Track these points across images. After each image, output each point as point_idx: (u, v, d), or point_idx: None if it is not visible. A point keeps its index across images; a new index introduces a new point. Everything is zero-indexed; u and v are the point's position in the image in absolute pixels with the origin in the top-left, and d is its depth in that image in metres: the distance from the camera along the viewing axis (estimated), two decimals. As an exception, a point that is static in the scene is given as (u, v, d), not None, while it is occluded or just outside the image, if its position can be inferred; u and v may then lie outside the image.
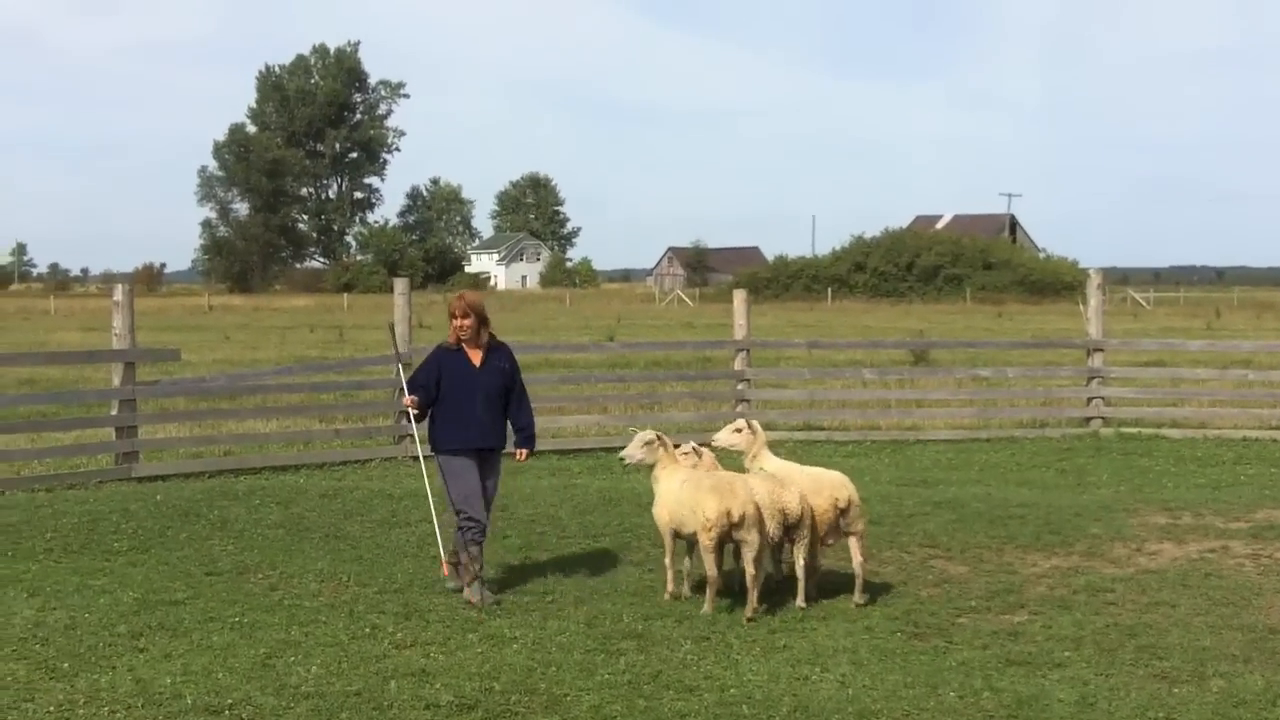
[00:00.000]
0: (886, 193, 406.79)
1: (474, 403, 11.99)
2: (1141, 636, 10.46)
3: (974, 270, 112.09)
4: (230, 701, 8.77)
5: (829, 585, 11.89)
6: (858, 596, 11.53)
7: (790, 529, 11.42)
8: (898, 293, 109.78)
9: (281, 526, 14.77)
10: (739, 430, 12.44)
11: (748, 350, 22.46)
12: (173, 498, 16.40)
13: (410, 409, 12.26)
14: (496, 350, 12.24)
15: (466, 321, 12.00)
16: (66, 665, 9.63)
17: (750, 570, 11.07)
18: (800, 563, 11.50)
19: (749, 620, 10.90)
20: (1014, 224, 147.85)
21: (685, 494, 11.26)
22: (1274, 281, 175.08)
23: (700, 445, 12.35)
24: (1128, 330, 52.25)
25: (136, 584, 12.10)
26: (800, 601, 11.43)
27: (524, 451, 12.44)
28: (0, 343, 47.50)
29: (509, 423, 12.32)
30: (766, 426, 21.99)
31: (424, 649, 10.04)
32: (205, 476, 18.12)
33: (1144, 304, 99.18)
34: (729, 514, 10.97)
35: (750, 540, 11.07)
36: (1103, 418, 23.14)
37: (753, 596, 11.06)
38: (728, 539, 11.16)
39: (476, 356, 12.10)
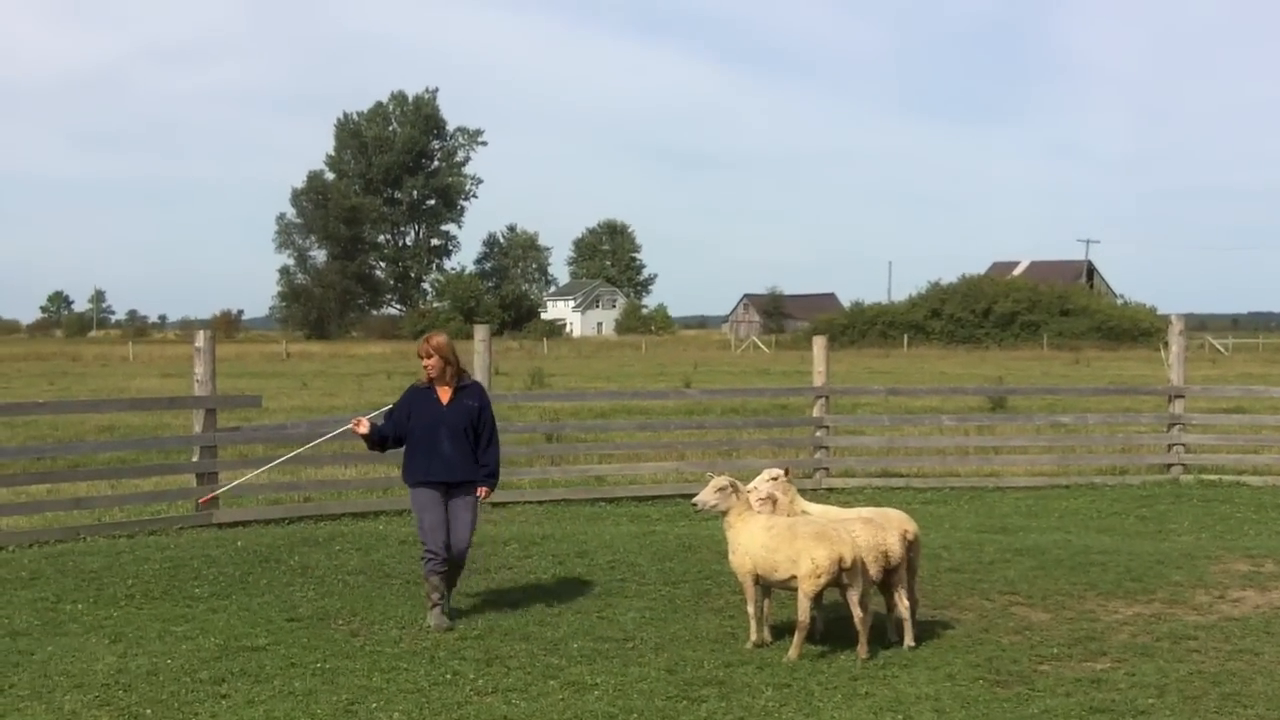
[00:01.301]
0: (963, 239, 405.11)
1: (439, 438, 12.80)
2: (1225, 684, 10.34)
3: (1051, 317, 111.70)
4: (313, 747, 8.80)
5: (881, 628, 11.83)
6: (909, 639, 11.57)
7: (890, 571, 11.44)
8: (974, 339, 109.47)
9: (362, 573, 14.84)
10: (774, 479, 12.41)
11: (827, 397, 22.42)
12: (253, 544, 16.51)
13: (355, 429, 13.20)
14: (466, 389, 13.05)
15: (430, 361, 12.92)
16: (149, 712, 9.69)
17: (858, 613, 11.10)
18: (904, 603, 11.54)
19: (864, 661, 10.95)
20: (1091, 270, 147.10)
21: (778, 542, 11.23)
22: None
23: (781, 470, 12.44)
24: (1206, 376, 51.76)
25: (218, 630, 12.17)
26: (909, 641, 11.49)
27: (484, 489, 13.02)
28: (80, 389, 48.05)
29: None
30: (845, 473, 22.18)
31: (505, 695, 10.05)
32: (285, 523, 18.23)
33: (1222, 350, 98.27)
34: (840, 560, 10.97)
35: (856, 585, 11.08)
36: (1183, 464, 22.94)
37: (863, 638, 11.10)
38: (831, 585, 11.16)
39: (445, 394, 12.95)
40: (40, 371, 62.83)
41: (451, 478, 12.81)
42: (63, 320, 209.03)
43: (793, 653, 11.08)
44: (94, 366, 74.46)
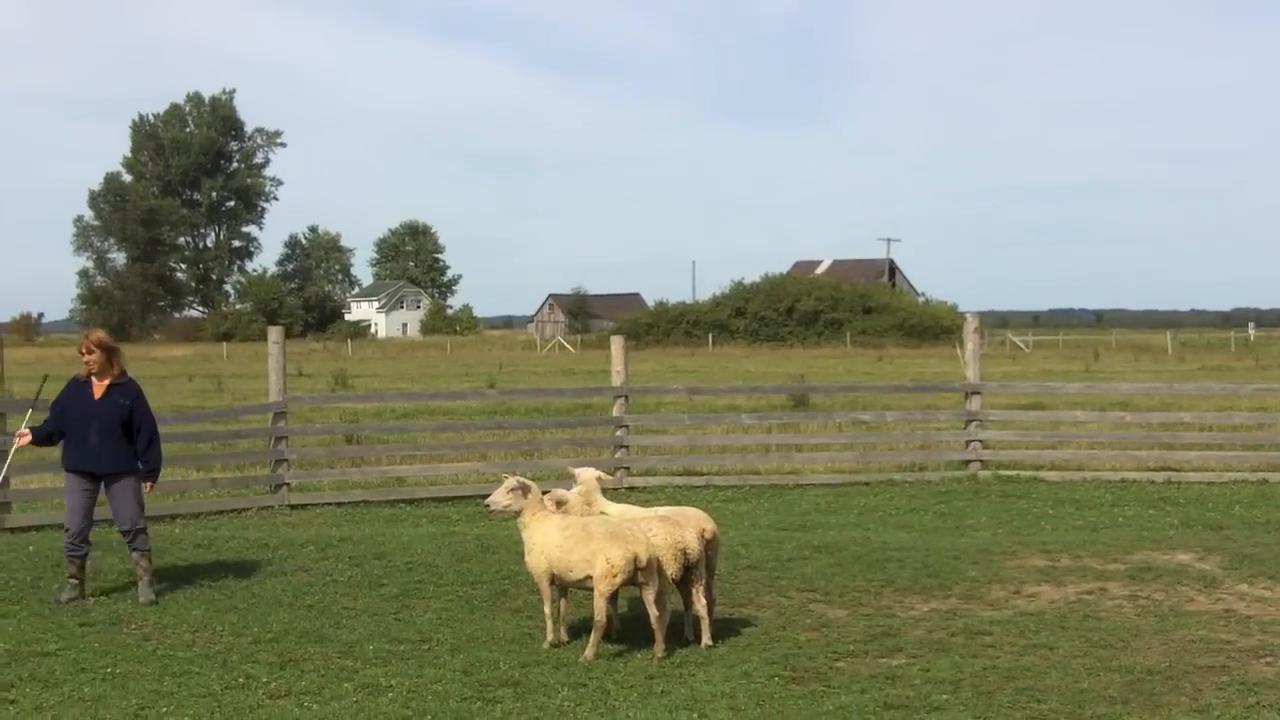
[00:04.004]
0: (766, 239, 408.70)
1: (87, 430, 13.35)
2: (1020, 679, 10.49)
3: (854, 315, 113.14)
4: (100, 755, 8.62)
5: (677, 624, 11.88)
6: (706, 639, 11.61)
7: (688, 570, 11.47)
8: (778, 338, 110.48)
9: (157, 576, 14.53)
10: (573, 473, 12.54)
11: (626, 396, 22.48)
12: (46, 548, 16.12)
13: (20, 443, 13.92)
14: (121, 385, 13.52)
15: (90, 358, 13.40)
16: (-69, 720, 9.45)
17: (655, 612, 11.10)
18: (702, 601, 11.54)
19: (661, 660, 10.95)
20: (893, 269, 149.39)
21: (573, 542, 11.20)
22: (1151, 324, 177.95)
23: (576, 470, 12.51)
24: (1006, 373, 52.87)
25: (8, 635, 11.89)
26: (707, 639, 11.48)
27: (148, 483, 13.81)
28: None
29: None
30: (647, 473, 22.25)
31: (298, 699, 9.92)
32: (78, 527, 17.79)
33: (1023, 347, 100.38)
34: (635, 560, 10.96)
35: (653, 583, 11.08)
36: (981, 460, 23.32)
37: (660, 636, 11.10)
38: (627, 585, 11.16)
39: (100, 389, 13.45)
40: None
41: (98, 469, 13.48)
42: None
43: (589, 652, 11.06)
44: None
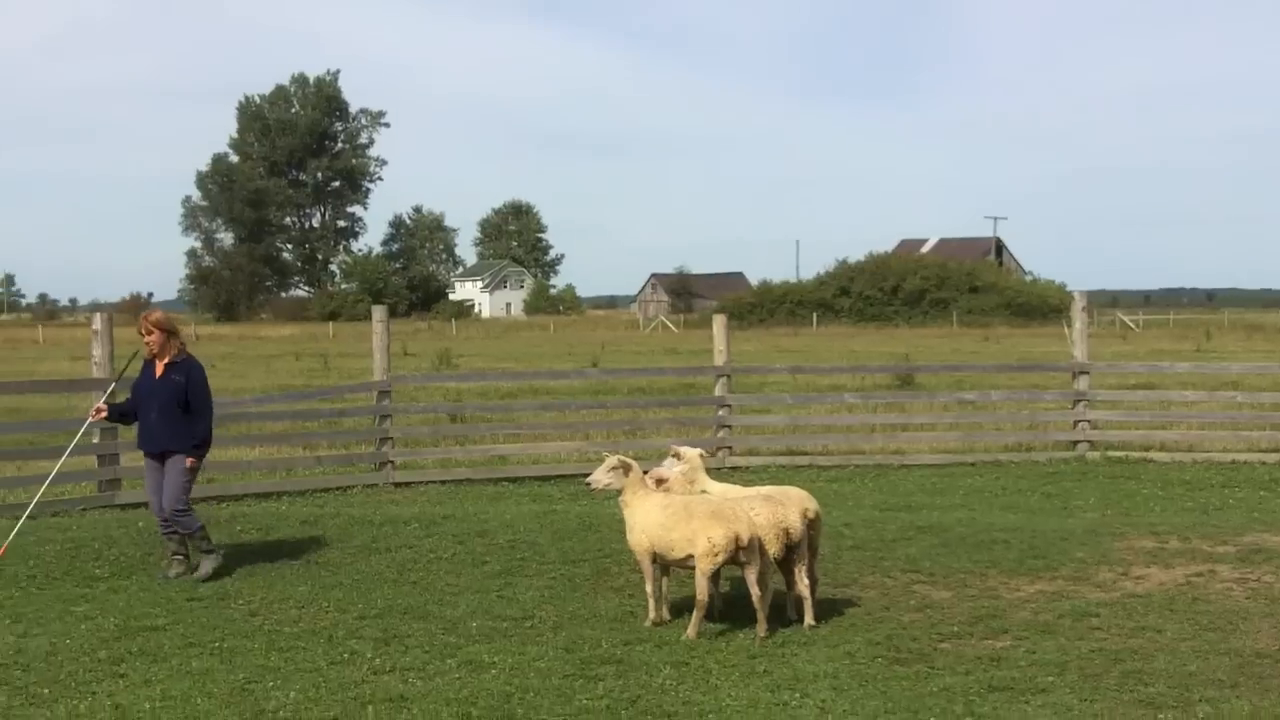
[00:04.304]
0: (871, 217, 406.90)
1: (150, 410, 13.63)
2: (1127, 662, 10.38)
3: (960, 294, 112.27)
4: (207, 728, 8.72)
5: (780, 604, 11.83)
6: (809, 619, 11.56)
7: (790, 549, 11.44)
8: (883, 317, 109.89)
9: (262, 553, 14.74)
10: (674, 457, 12.45)
11: (729, 376, 22.42)
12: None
13: (96, 417, 14.35)
14: (178, 364, 13.67)
15: (150, 338, 13.64)
16: (46, 691, 9.59)
17: (757, 591, 11.07)
18: (805, 581, 11.51)
19: (763, 640, 10.92)
20: (1000, 247, 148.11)
21: (675, 521, 11.18)
22: (1264, 303, 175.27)
23: (680, 449, 12.44)
24: (1116, 353, 52.26)
25: (118, 610, 12.06)
26: (809, 619, 11.43)
27: (190, 459, 13.69)
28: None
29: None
30: (749, 452, 22.19)
31: (402, 674, 9.98)
32: (187, 504, 18.01)
33: (1133, 327, 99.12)
34: (737, 539, 10.94)
35: (755, 563, 11.06)
36: (1089, 441, 23.08)
37: (762, 615, 11.07)
38: (729, 564, 11.14)
39: (160, 369, 13.67)
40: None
41: (153, 448, 13.72)
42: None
43: (691, 631, 11.05)
44: (3, 350, 73.55)
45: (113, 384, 15.42)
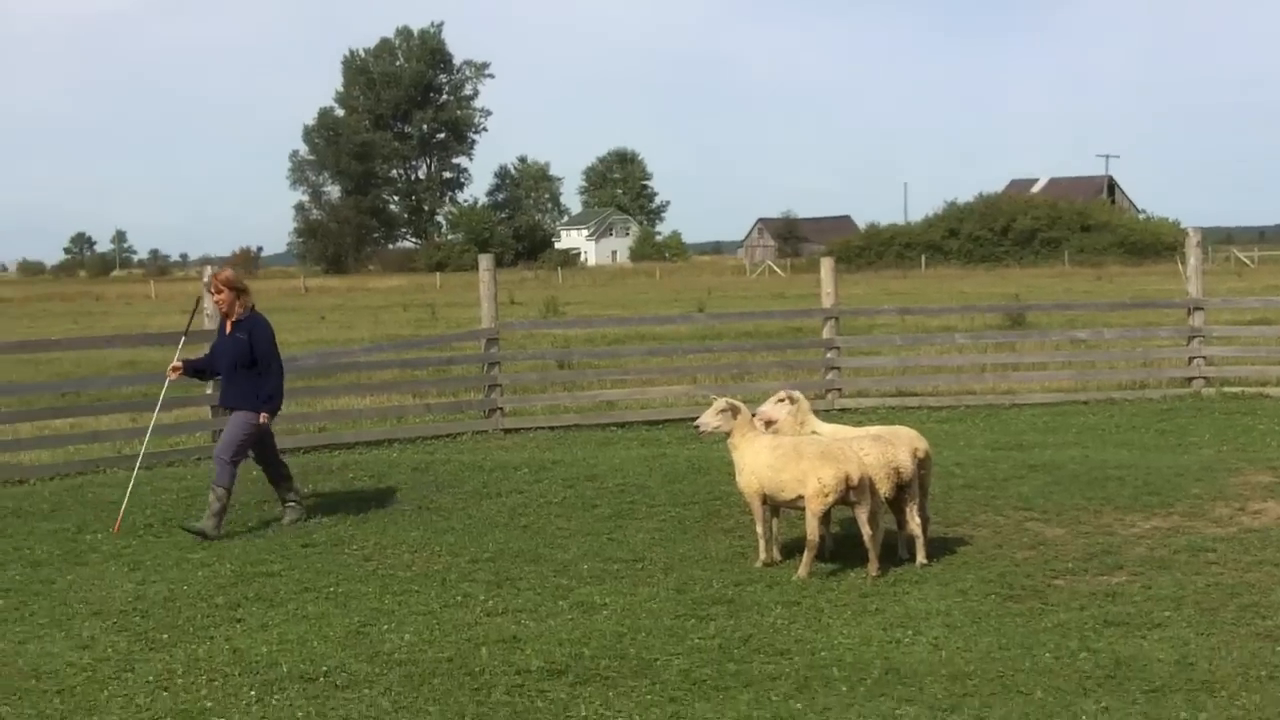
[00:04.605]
0: (981, 158, 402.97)
1: (222, 367, 13.83)
2: (1244, 595, 10.26)
3: (1072, 233, 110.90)
4: (325, 669, 8.83)
5: (891, 545, 11.75)
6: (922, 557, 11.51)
7: (901, 489, 11.40)
8: (994, 258, 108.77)
9: (375, 499, 14.87)
10: (780, 401, 12.33)
11: (836, 318, 22.29)
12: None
13: (172, 376, 14.30)
14: (243, 322, 13.72)
15: (220, 296, 13.76)
16: (165, 636, 9.76)
17: (867, 530, 11.04)
18: (916, 520, 11.48)
19: (874, 579, 10.90)
20: (1112, 186, 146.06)
21: (784, 462, 11.15)
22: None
23: (790, 393, 12.35)
24: (1231, 289, 51.41)
25: (234, 557, 12.24)
26: (921, 558, 11.42)
27: (263, 415, 13.69)
28: (103, 326, 48.27)
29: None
30: (858, 394, 22.09)
31: (515, 616, 10.05)
32: (300, 452, 18.21)
33: (1248, 263, 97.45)
34: (847, 479, 10.90)
35: (865, 502, 11.03)
36: (1204, 377, 22.76)
37: (874, 555, 11.06)
38: (839, 504, 11.11)
39: (229, 327, 13.78)
40: (64, 311, 62.94)
41: (224, 402, 14.03)
42: (86, 261, 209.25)
43: (802, 571, 11.04)
44: (117, 305, 74.64)
45: (181, 339, 15.49)
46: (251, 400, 13.61)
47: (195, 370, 14.33)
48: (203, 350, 14.65)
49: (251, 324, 13.71)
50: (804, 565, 11.07)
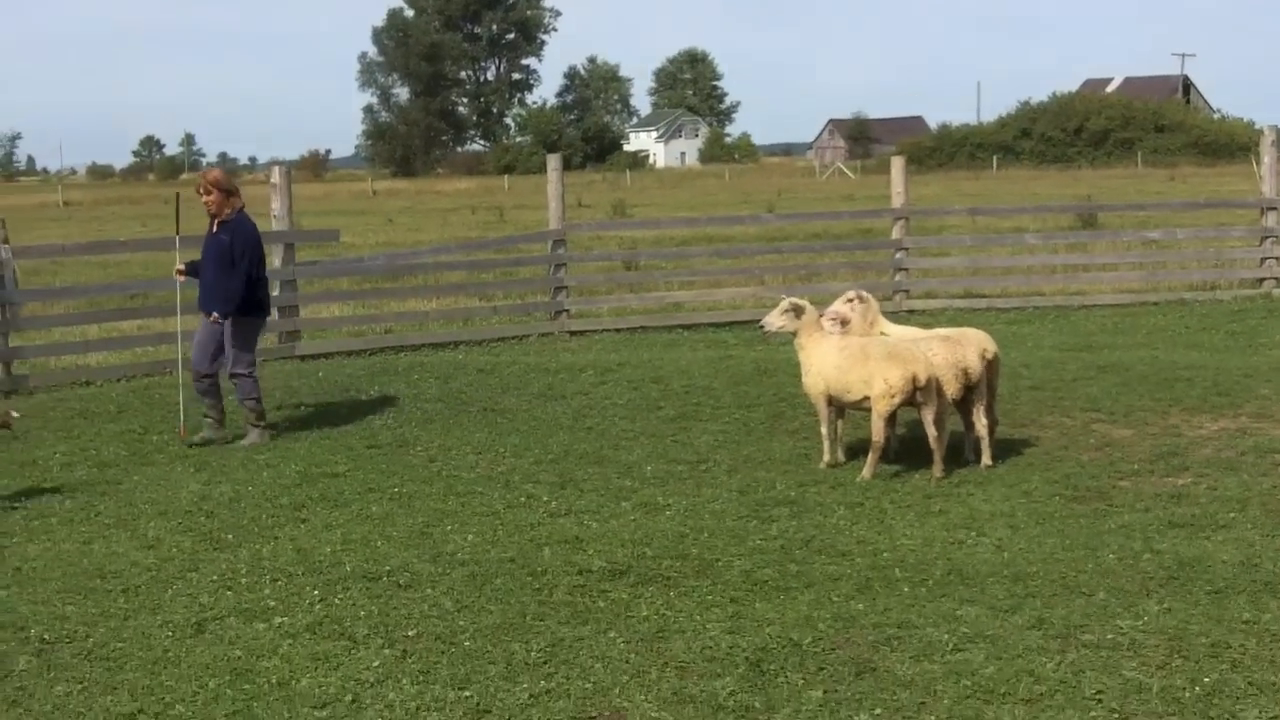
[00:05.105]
0: (1055, 58, 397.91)
1: (206, 269, 13.41)
2: (1310, 497, 10.20)
3: (1145, 134, 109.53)
4: (388, 568, 8.88)
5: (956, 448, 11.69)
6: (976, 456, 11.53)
7: (969, 390, 11.35)
8: (1066, 158, 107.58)
9: (440, 401, 14.92)
10: (850, 301, 12.20)
11: (906, 219, 22.13)
12: (334, 375, 16.67)
13: (178, 277, 14.02)
14: (228, 223, 13.31)
15: (209, 198, 13.31)
16: (230, 536, 9.84)
17: (933, 432, 11.01)
18: (983, 421, 11.44)
19: (939, 480, 10.89)
20: (1188, 85, 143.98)
21: (851, 362, 11.10)
22: None
23: (860, 293, 12.24)
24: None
25: (299, 458, 12.33)
26: (986, 460, 11.39)
27: (214, 315, 13.29)
28: (171, 229, 48.29)
29: None
30: (926, 295, 21.97)
31: (578, 517, 10.08)
32: (367, 354, 18.33)
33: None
34: (914, 380, 10.85)
35: (932, 404, 10.98)
36: (1276, 279, 22.52)
37: (939, 456, 11.03)
38: (906, 405, 11.07)
39: (214, 227, 13.39)
40: (134, 214, 63.22)
41: (203, 306, 13.47)
42: (155, 164, 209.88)
43: (866, 472, 11.02)
44: (187, 208, 74.85)
45: (176, 240, 15.04)
46: (225, 302, 13.21)
47: (195, 271, 13.72)
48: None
49: (236, 225, 13.30)
50: (869, 466, 11.05)
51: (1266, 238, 22.80)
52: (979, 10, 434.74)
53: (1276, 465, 11.20)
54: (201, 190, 13.38)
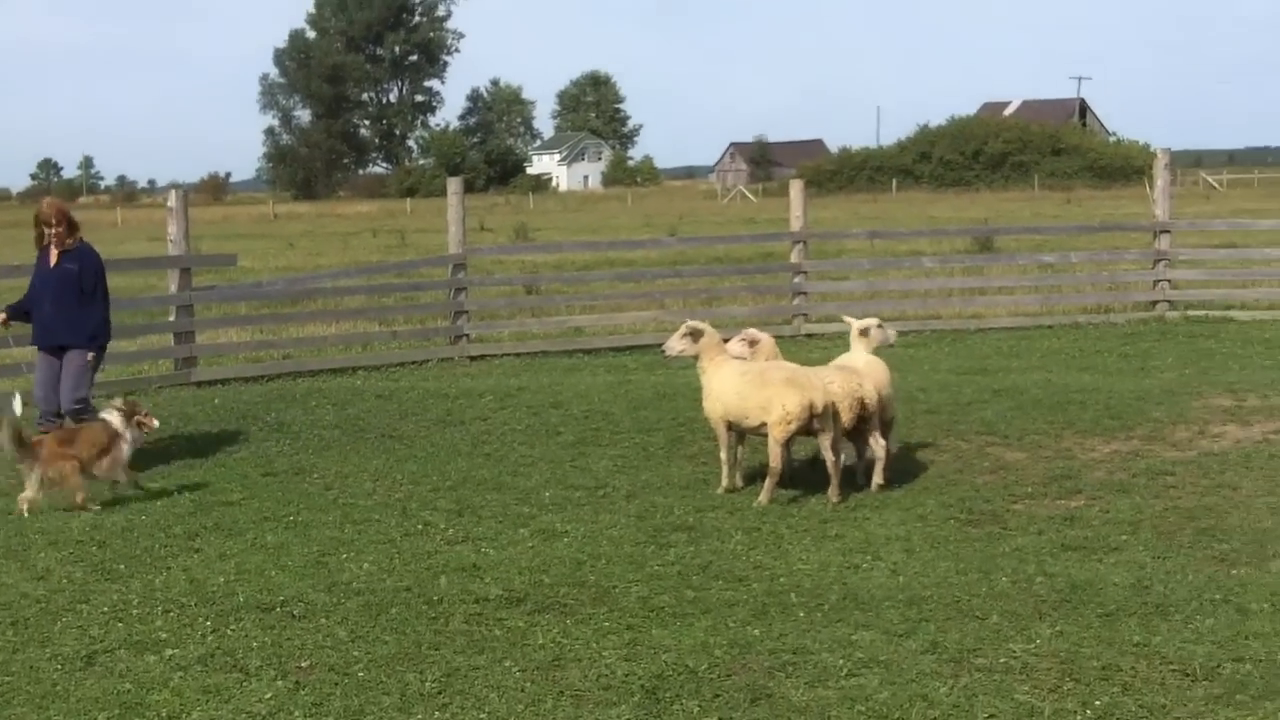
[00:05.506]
0: (953, 80, 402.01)
1: (44, 302, 12.83)
2: (1201, 519, 10.31)
3: (1042, 157, 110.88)
4: (282, 598, 8.80)
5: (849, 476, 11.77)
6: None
7: (864, 419, 11.41)
8: (964, 182, 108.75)
9: (338, 427, 14.83)
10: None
11: (805, 242, 22.25)
12: (231, 401, 16.51)
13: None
14: (71, 253, 12.86)
15: (58, 229, 12.83)
16: (122, 567, 9.70)
17: (830, 458, 11.06)
18: (880, 444, 11.51)
19: (835, 505, 10.93)
20: (1084, 108, 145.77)
21: (750, 388, 11.14)
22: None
23: (755, 335, 12.29)
24: (1198, 212, 51.40)
25: (193, 486, 12.19)
26: (878, 479, 11.46)
27: (90, 354, 12.88)
28: None
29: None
30: (825, 319, 22.05)
31: (475, 544, 10.04)
32: (264, 380, 18.17)
33: (1217, 186, 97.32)
34: (811, 406, 10.90)
35: (829, 430, 11.02)
36: (1169, 301, 22.85)
37: (835, 482, 11.08)
38: (802, 432, 11.11)
39: (54, 258, 12.87)
40: (31, 239, 62.35)
41: (49, 341, 12.89)
42: (52, 187, 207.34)
43: (763, 497, 11.05)
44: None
45: None
46: (80, 335, 12.82)
47: (21, 313, 13.18)
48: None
49: (81, 254, 12.94)
50: (765, 492, 11.09)
51: (1159, 260, 23.11)
52: (879, 34, 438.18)
53: (1168, 488, 11.35)
54: (52, 220, 12.91)
